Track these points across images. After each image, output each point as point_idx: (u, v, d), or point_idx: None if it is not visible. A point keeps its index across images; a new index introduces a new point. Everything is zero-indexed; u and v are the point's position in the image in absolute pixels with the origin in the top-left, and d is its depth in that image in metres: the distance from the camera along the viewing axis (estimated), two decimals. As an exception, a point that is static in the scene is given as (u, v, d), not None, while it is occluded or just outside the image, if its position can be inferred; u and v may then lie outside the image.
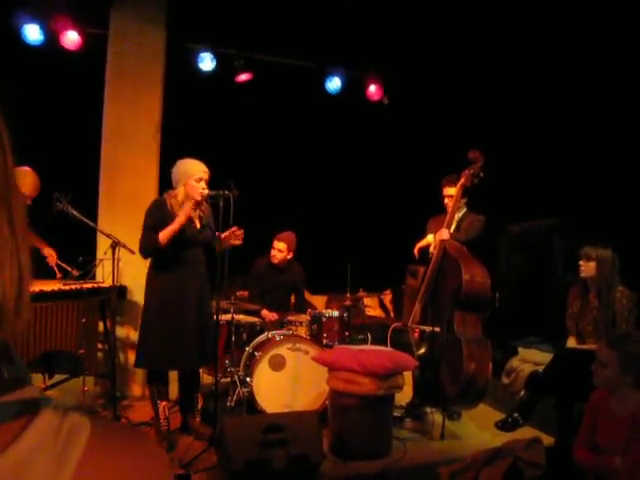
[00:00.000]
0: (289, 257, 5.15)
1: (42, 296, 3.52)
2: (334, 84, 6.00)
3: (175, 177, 3.75)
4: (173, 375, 3.98)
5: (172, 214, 3.64)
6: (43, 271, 4.12)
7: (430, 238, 4.49)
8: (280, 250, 5.09)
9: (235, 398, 4.19)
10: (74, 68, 5.34)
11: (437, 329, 4.07)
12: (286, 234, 5.14)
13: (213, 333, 3.83)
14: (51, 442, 0.55)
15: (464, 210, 4.44)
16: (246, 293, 5.23)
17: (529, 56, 5.52)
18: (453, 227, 4.36)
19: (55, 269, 4.18)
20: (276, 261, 5.13)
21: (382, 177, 7.09)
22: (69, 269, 4.17)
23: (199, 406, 4.16)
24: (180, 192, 3.70)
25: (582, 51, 5.12)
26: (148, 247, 3.63)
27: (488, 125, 5.93)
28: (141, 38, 4.90)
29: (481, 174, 4.28)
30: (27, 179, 4.01)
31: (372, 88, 6.15)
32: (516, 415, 3.90)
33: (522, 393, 4.29)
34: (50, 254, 4.21)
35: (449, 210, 4.39)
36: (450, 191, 4.45)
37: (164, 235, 3.55)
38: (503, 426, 3.96)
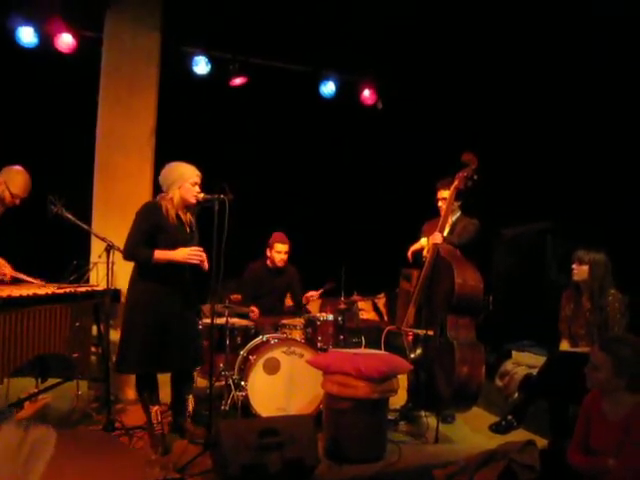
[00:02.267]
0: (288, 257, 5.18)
1: (36, 299, 3.50)
2: (328, 88, 6.03)
3: (167, 180, 3.74)
4: (166, 379, 3.98)
5: (167, 218, 3.65)
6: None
7: (424, 241, 4.50)
8: (286, 252, 5.14)
9: (230, 402, 4.18)
10: (68, 71, 5.34)
11: (430, 332, 4.08)
12: (282, 235, 5.15)
13: (198, 336, 3.89)
14: (13, 457, 0.55)
15: (458, 213, 4.45)
16: (239, 297, 5.22)
17: (521, 60, 5.56)
18: (447, 230, 4.36)
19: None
20: (282, 264, 5.16)
21: (376, 180, 7.11)
22: (28, 279, 4.07)
23: (190, 409, 4.15)
24: (175, 195, 3.70)
25: (574, 55, 5.15)
26: (137, 258, 3.66)
27: (481, 128, 5.96)
28: (136, 41, 4.90)
29: (475, 177, 4.28)
30: (18, 178, 3.98)
31: (366, 92, 6.19)
32: (510, 418, 3.92)
33: (516, 396, 4.31)
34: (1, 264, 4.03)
35: (442, 213, 4.40)
36: (444, 194, 4.45)
37: (160, 257, 3.59)
38: (497, 429, 3.97)
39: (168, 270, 3.67)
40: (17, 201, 3.99)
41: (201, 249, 3.70)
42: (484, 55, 5.71)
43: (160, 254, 3.60)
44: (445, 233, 4.31)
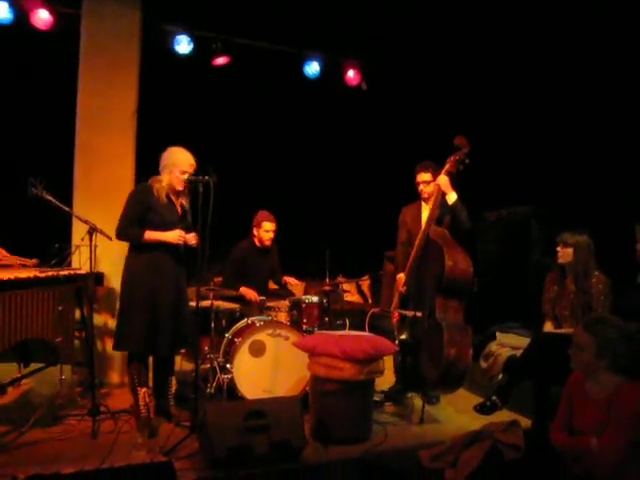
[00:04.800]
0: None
1: (17, 283, 3.43)
2: (313, 69, 5.97)
3: (163, 162, 3.84)
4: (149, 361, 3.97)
5: (157, 198, 3.76)
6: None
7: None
8: (273, 230, 5.08)
9: (215, 385, 4.18)
10: (46, 49, 5.21)
11: (419, 314, 4.09)
12: (269, 213, 5.09)
13: (190, 318, 3.87)
14: None
15: (456, 197, 4.37)
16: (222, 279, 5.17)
17: (505, 43, 5.54)
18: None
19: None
20: (270, 243, 5.11)
21: (361, 162, 7.08)
22: (22, 261, 4.03)
23: (173, 390, 4.15)
24: (165, 179, 3.82)
25: (558, 38, 5.15)
26: (128, 238, 3.77)
27: (466, 110, 5.95)
28: (116, 19, 4.79)
29: (466, 161, 4.27)
30: None
31: (350, 73, 6.14)
32: (494, 398, 3.95)
33: (500, 377, 4.35)
34: None
35: (431, 196, 4.35)
36: (424, 177, 4.43)
37: (150, 237, 3.70)
38: (482, 409, 4.00)
39: (161, 250, 3.75)
40: None
41: (195, 236, 3.78)
42: (470, 36, 5.67)
43: (150, 234, 3.70)
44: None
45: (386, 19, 5.69)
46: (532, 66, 5.55)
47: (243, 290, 4.89)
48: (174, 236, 3.73)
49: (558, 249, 4.07)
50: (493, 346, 4.67)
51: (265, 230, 5.05)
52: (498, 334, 4.74)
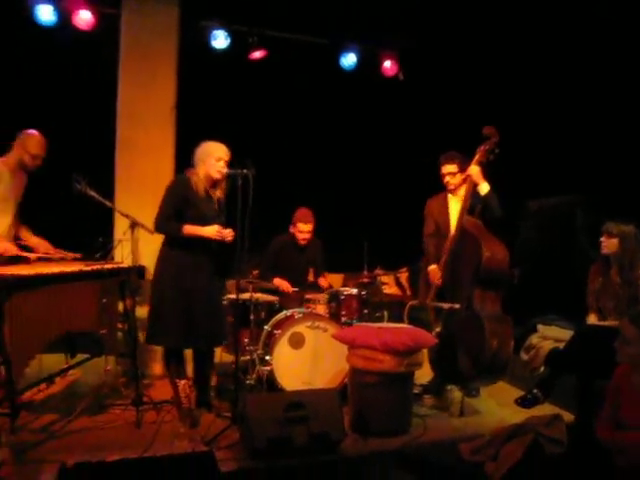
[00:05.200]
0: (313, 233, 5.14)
1: (64, 277, 3.53)
2: (349, 60, 5.95)
3: (196, 156, 3.85)
4: (189, 354, 4.02)
5: (196, 192, 3.77)
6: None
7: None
8: (308, 231, 5.05)
9: (254, 376, 4.22)
10: (87, 48, 5.31)
11: (456, 306, 4.05)
12: (307, 213, 5.05)
13: (224, 312, 3.94)
14: None
15: (489, 187, 4.32)
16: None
17: (549, 26, 5.41)
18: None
19: (53, 257, 4.12)
20: (304, 243, 5.08)
21: (399, 153, 7.02)
22: (71, 255, 4.12)
23: (213, 383, 4.19)
24: (201, 170, 3.81)
25: (607, 19, 4.99)
26: (168, 230, 3.78)
27: (508, 97, 5.84)
28: (154, 17, 4.87)
29: (496, 150, 4.22)
30: (32, 138, 3.92)
31: (387, 63, 6.10)
32: (536, 392, 3.89)
33: (542, 370, 4.27)
34: (40, 244, 4.10)
35: (458, 187, 4.36)
36: (450, 168, 4.41)
37: (188, 232, 3.71)
38: (523, 403, 3.95)
39: (196, 244, 3.76)
40: (38, 161, 3.98)
41: (232, 232, 3.76)
42: (509, 21, 5.56)
43: (189, 229, 3.71)
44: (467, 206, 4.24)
45: (423, 7, 5.62)
46: (579, 51, 5.41)
47: (277, 281, 4.92)
48: (212, 231, 3.74)
49: (602, 239, 3.98)
50: (535, 338, 4.58)
51: (299, 230, 5.04)
52: (540, 326, 4.65)
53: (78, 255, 4.12)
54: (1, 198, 3.90)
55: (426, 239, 4.61)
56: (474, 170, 4.23)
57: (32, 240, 4.13)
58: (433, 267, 4.43)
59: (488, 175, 4.28)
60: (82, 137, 5.51)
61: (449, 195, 4.52)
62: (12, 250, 3.82)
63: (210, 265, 3.87)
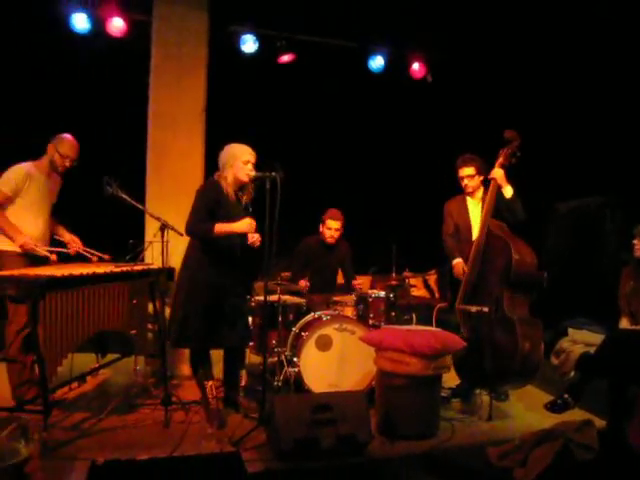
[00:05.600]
0: (341, 234, 5.15)
1: (95, 278, 3.60)
2: (377, 63, 5.96)
3: (222, 160, 3.88)
4: (219, 354, 4.06)
5: (226, 195, 3.80)
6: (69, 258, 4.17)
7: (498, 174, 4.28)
8: (336, 229, 5.06)
9: (282, 378, 4.24)
10: (120, 54, 5.42)
11: (485, 309, 4.01)
12: (336, 211, 5.09)
13: (247, 315, 3.96)
14: None
15: (512, 190, 4.29)
16: (290, 274, 5.21)
17: (576, 26, 5.33)
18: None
19: (86, 254, 4.20)
20: (333, 240, 5.09)
21: (428, 156, 6.99)
22: (98, 254, 4.21)
23: (243, 383, 4.21)
24: (229, 174, 3.83)
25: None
26: (199, 233, 3.78)
27: (535, 98, 5.77)
28: (185, 22, 4.93)
29: (518, 153, 4.21)
30: (65, 140, 4.03)
31: (415, 66, 6.08)
32: (566, 397, 3.84)
33: (572, 374, 4.21)
34: (73, 240, 4.22)
35: (476, 190, 4.39)
36: (467, 171, 4.40)
37: (220, 230, 3.71)
38: (553, 408, 3.90)
39: (221, 247, 3.79)
40: (67, 162, 4.05)
41: (259, 237, 3.79)
42: (537, 23, 5.50)
43: (220, 227, 3.72)
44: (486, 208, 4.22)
45: (450, 10, 5.59)
46: (609, 50, 5.32)
47: (301, 283, 4.96)
48: (244, 225, 3.74)
49: (635, 242, 3.92)
50: (565, 342, 4.53)
51: (327, 227, 5.07)
52: (570, 330, 4.60)
53: (106, 256, 4.20)
54: (34, 200, 4.00)
55: (445, 237, 4.59)
56: (498, 173, 4.21)
57: (66, 236, 4.25)
58: (458, 261, 4.40)
59: (510, 178, 4.26)
60: (115, 141, 5.62)
61: (468, 198, 4.50)
62: (30, 245, 3.89)
63: (234, 269, 3.90)
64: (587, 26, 5.28)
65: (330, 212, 5.10)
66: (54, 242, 4.22)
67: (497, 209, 4.25)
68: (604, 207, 5.45)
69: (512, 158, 4.23)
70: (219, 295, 3.79)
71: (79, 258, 4.21)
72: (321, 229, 5.16)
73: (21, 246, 3.86)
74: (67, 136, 4.08)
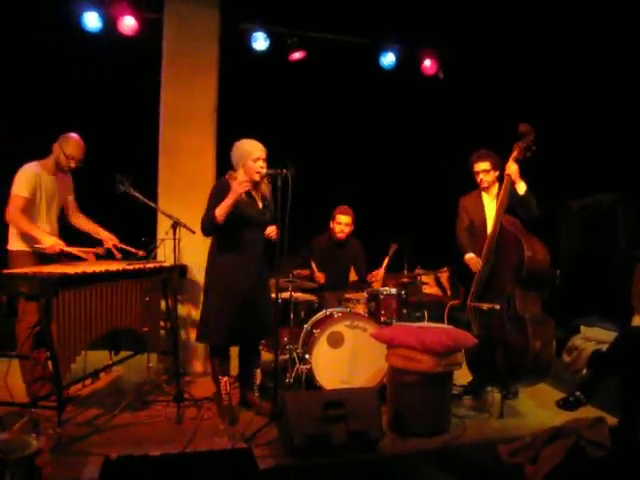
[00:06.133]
0: (351, 230, 5.15)
1: (108, 276, 3.63)
2: (388, 60, 5.93)
3: (234, 159, 3.85)
4: (234, 351, 4.08)
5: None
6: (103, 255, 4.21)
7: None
8: (347, 224, 5.06)
9: (294, 375, 4.26)
10: (132, 53, 5.44)
11: (497, 307, 4.00)
12: (346, 207, 5.10)
13: (270, 310, 3.94)
14: None
15: (526, 186, 4.26)
16: (305, 272, 5.18)
17: (590, 23, 5.29)
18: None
19: (114, 251, 4.24)
20: (343, 236, 5.08)
21: (440, 153, 6.97)
22: (132, 250, 4.23)
23: (258, 382, 4.25)
24: (240, 173, 3.80)
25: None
26: (206, 225, 3.72)
27: (546, 93, 5.73)
28: (196, 20, 4.94)
29: (533, 147, 4.16)
30: (70, 141, 4.00)
31: (427, 62, 6.05)
32: (578, 394, 3.82)
33: (584, 372, 4.20)
34: (109, 238, 4.24)
35: (491, 185, 4.36)
36: (483, 166, 4.36)
37: (219, 210, 3.63)
38: (564, 405, 3.89)
39: (244, 243, 3.80)
40: (72, 163, 4.02)
41: (276, 229, 3.78)
42: (550, 19, 5.46)
43: (219, 207, 3.63)
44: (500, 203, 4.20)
45: (461, 5, 5.57)
46: (622, 48, 5.28)
47: (317, 276, 4.97)
48: (238, 187, 3.63)
49: (648, 239, 3.89)
50: (577, 340, 4.51)
51: (337, 222, 5.07)
52: (582, 328, 4.58)
53: (140, 252, 4.19)
54: (41, 200, 3.98)
55: (459, 233, 4.54)
56: (512, 168, 4.16)
57: (102, 234, 4.26)
58: (471, 255, 4.37)
59: (522, 175, 4.23)
60: (127, 139, 5.66)
61: (483, 194, 4.47)
62: (59, 245, 3.87)
63: (257, 263, 3.89)
64: (599, 24, 5.24)
65: (340, 207, 5.11)
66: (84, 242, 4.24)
67: (511, 206, 4.23)
68: (617, 204, 5.41)
69: (527, 152, 4.17)
70: (242, 290, 3.78)
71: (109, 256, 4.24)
72: (331, 225, 5.16)
73: (51, 247, 3.81)
74: (73, 136, 4.06)
